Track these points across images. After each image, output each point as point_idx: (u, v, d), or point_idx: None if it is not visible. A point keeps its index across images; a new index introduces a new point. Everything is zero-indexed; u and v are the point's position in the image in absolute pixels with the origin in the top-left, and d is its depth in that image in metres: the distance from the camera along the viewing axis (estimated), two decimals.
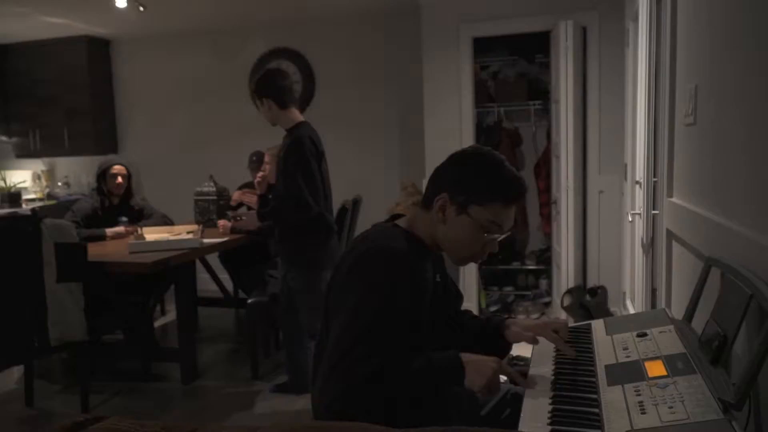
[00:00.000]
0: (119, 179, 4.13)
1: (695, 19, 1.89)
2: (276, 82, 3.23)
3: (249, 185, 4.68)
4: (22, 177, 6.41)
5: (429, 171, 4.75)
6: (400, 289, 1.39)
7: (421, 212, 1.57)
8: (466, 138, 4.64)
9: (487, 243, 1.52)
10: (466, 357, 1.40)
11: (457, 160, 1.55)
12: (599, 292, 4.01)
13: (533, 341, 1.59)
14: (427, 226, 1.54)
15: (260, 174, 3.68)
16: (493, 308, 4.96)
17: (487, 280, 5.17)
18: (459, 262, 1.58)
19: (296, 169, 3.04)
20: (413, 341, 1.41)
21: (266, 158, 3.98)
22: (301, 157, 3.06)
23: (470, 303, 4.78)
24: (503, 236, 1.53)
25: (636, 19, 3.39)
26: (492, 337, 1.67)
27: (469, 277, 4.77)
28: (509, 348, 1.67)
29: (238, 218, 3.71)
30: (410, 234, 1.54)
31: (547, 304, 4.90)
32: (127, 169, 4.20)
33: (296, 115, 3.28)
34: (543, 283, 5.11)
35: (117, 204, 4.21)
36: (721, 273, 1.41)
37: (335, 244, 3.33)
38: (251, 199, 4.25)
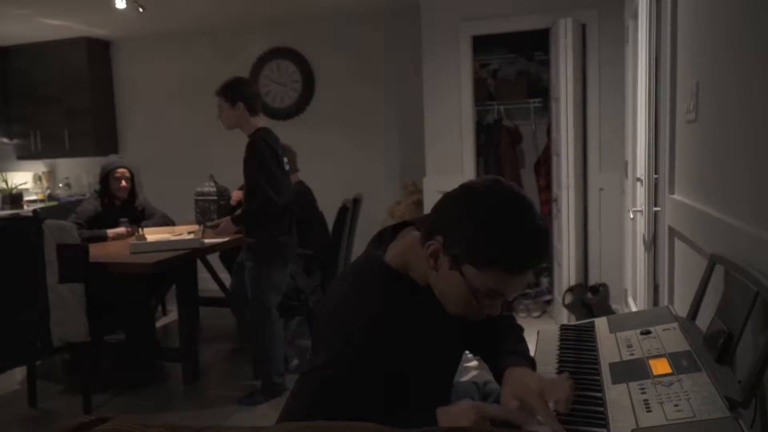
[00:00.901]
0: (123, 183, 4.13)
1: (696, 16, 1.88)
2: (250, 87, 3.48)
3: None
4: (23, 178, 6.40)
5: (429, 169, 4.78)
6: (370, 354, 1.19)
7: (418, 247, 1.25)
8: (465, 135, 4.64)
9: (485, 307, 1.22)
10: (441, 411, 1.19)
11: (464, 196, 1.21)
12: (601, 290, 4.01)
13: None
14: (422, 264, 1.26)
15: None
16: None
17: None
18: (451, 312, 1.27)
19: (255, 168, 3.25)
20: (398, 395, 1.25)
21: None
22: (258, 156, 3.25)
23: None
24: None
25: (636, 17, 3.38)
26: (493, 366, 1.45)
27: None
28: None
29: (214, 227, 3.69)
30: (401, 275, 1.30)
31: (549, 302, 4.90)
32: (130, 171, 4.19)
33: (259, 122, 3.46)
34: (544, 281, 5.10)
35: (120, 205, 4.21)
36: (725, 270, 1.41)
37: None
38: None
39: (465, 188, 1.22)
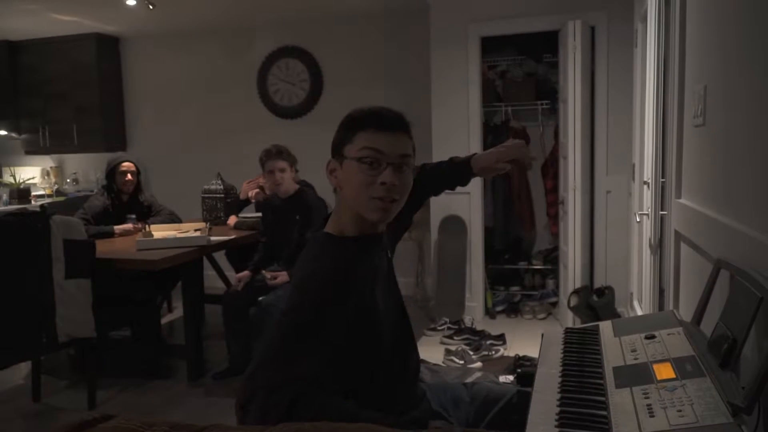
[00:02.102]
0: (129, 176, 4.16)
1: (705, 20, 1.88)
2: None
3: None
4: (31, 173, 6.45)
5: None
6: (327, 300, 1.31)
7: (337, 202, 1.48)
8: (473, 137, 4.64)
9: (379, 176, 1.37)
10: None
11: None
12: (606, 293, 4.00)
13: (504, 167, 1.73)
14: (342, 212, 1.45)
15: (255, 191, 4.10)
16: (498, 308, 4.95)
17: (493, 280, 5.16)
18: (372, 215, 1.39)
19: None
20: (368, 334, 1.38)
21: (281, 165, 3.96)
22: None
23: (476, 303, 4.78)
24: (394, 164, 1.39)
25: (645, 20, 3.37)
26: (459, 171, 1.77)
27: (475, 277, 4.77)
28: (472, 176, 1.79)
29: (273, 278, 3.72)
30: (338, 237, 1.44)
31: (554, 304, 4.89)
32: (135, 165, 4.22)
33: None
34: (550, 283, 5.10)
35: (127, 201, 4.24)
36: (730, 275, 1.40)
37: None
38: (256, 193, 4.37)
39: None
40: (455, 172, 1.79)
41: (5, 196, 5.85)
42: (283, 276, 3.53)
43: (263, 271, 3.62)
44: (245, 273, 3.68)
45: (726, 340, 1.22)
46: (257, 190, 4.48)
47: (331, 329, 1.29)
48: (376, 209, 1.39)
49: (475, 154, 1.79)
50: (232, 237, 4.03)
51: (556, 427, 1.16)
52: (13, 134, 6.20)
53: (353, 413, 1.23)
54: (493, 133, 5.25)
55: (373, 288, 1.42)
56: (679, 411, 1.10)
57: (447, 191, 1.85)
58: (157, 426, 0.82)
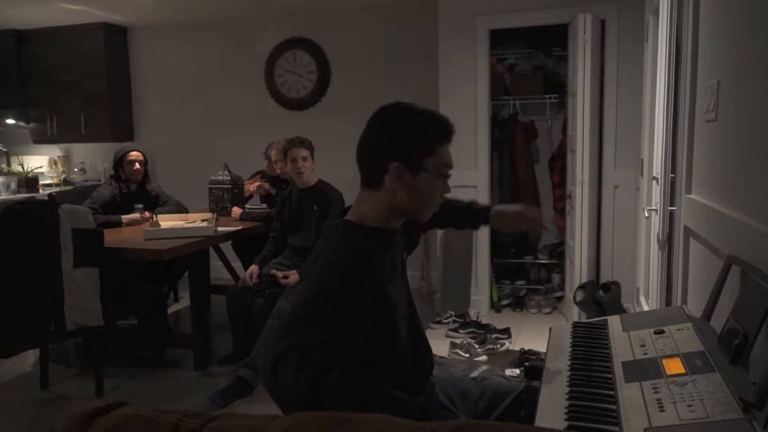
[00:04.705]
0: (137, 165, 4.17)
1: (718, 14, 1.86)
2: None
3: (258, 173, 4.72)
4: (39, 162, 6.47)
5: None
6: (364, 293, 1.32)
7: (365, 195, 1.47)
8: (480, 130, 4.62)
9: (443, 188, 1.50)
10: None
11: (380, 126, 1.46)
12: (612, 288, 3.99)
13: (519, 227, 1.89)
14: (377, 207, 1.45)
15: (256, 185, 4.18)
16: (504, 302, 4.95)
17: (499, 274, 5.15)
18: (424, 219, 1.51)
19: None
20: (384, 322, 1.39)
21: (274, 154, 4.05)
22: None
23: (482, 296, 4.78)
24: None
25: (656, 13, 3.35)
26: (477, 217, 1.90)
27: (481, 271, 4.76)
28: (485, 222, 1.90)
29: (285, 277, 3.73)
30: (358, 225, 1.46)
31: (560, 299, 4.89)
32: (143, 155, 4.24)
33: None
34: (556, 277, 5.09)
35: (134, 191, 4.25)
36: (741, 271, 1.40)
37: None
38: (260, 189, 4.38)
39: (370, 125, 1.47)
40: (472, 216, 1.92)
41: (13, 185, 5.86)
42: (294, 275, 3.54)
43: (273, 272, 3.62)
44: (254, 267, 3.70)
45: (737, 336, 1.21)
46: (257, 184, 4.49)
47: (360, 307, 1.30)
48: (428, 216, 1.52)
49: (494, 205, 1.94)
50: (239, 228, 4.03)
51: (566, 420, 1.16)
52: (21, 123, 6.22)
53: (380, 389, 1.21)
54: (500, 127, 5.23)
55: (392, 278, 1.44)
56: (690, 406, 1.10)
57: (452, 228, 2.03)
58: (171, 414, 0.82)
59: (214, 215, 4.14)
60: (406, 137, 1.43)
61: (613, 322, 1.68)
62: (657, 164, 3.22)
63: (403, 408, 1.19)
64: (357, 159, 1.47)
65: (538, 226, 1.90)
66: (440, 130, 1.46)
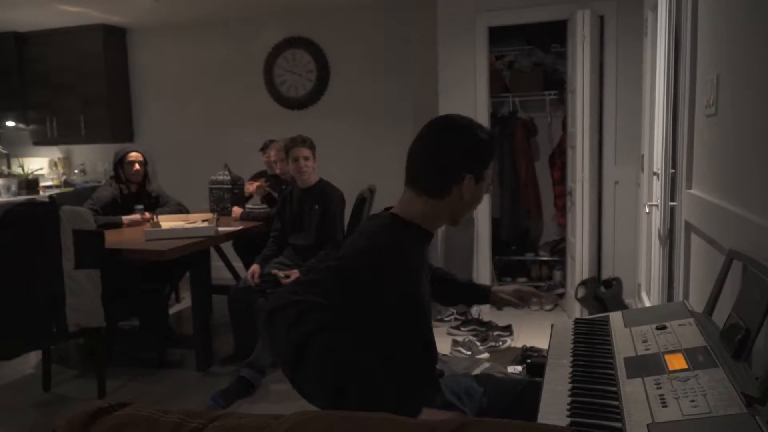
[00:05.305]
0: (136, 166, 4.17)
1: (717, 8, 1.86)
2: None
3: (261, 174, 4.71)
4: (39, 164, 6.47)
5: None
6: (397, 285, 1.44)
7: (421, 200, 1.55)
8: None
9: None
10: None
11: (447, 140, 1.55)
12: (614, 284, 3.98)
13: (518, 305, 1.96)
14: (434, 213, 1.56)
15: (256, 185, 4.21)
16: None
17: (500, 271, 5.16)
18: (461, 222, 1.64)
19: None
20: (412, 315, 1.48)
21: (273, 153, 4.05)
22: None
23: None
24: None
25: (655, 9, 3.34)
26: (475, 295, 2.00)
27: (482, 268, 4.76)
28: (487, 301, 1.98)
29: (287, 276, 3.76)
30: (408, 222, 1.55)
31: (561, 296, 4.88)
32: (143, 156, 4.23)
33: None
34: (557, 274, 5.09)
35: (135, 191, 4.25)
36: (743, 266, 1.39)
37: None
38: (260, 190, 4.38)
39: (433, 136, 1.58)
40: (472, 295, 2.04)
41: (14, 187, 5.86)
42: (295, 275, 3.55)
43: (275, 271, 3.62)
44: (256, 267, 3.70)
45: (739, 331, 1.21)
46: (257, 184, 4.48)
47: (381, 303, 1.39)
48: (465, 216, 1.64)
49: (492, 286, 2.05)
50: (240, 228, 4.03)
51: (568, 416, 1.16)
52: (21, 125, 6.22)
53: (364, 376, 1.26)
54: (500, 124, 5.23)
55: (423, 276, 1.55)
56: (692, 401, 1.09)
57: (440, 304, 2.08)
58: (173, 414, 0.82)
59: (215, 215, 4.14)
60: (476, 152, 1.55)
61: (615, 318, 1.67)
62: (657, 160, 3.22)
63: (379, 403, 1.22)
64: (417, 169, 1.56)
65: (537, 297, 2.05)
66: (494, 144, 1.61)
